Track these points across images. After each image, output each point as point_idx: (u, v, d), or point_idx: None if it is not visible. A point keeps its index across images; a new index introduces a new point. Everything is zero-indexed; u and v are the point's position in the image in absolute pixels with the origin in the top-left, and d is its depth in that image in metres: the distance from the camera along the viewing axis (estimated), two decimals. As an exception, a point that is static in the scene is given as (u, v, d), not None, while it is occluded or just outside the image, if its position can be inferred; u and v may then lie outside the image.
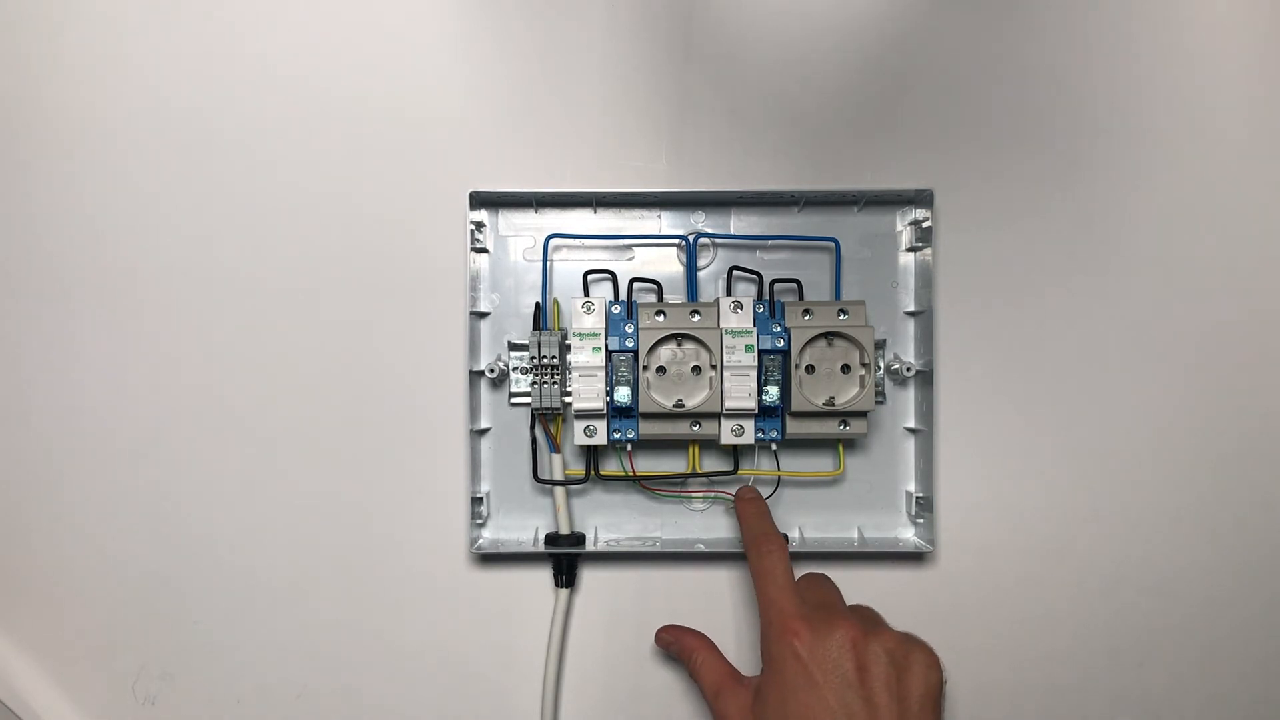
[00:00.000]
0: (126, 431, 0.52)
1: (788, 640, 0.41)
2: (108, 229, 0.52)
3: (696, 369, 0.49)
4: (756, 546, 0.46)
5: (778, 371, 0.48)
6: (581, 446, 0.50)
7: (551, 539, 0.51)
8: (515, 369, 0.51)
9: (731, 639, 0.51)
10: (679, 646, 0.49)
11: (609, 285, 0.51)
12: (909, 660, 0.41)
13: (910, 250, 0.52)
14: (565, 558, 0.51)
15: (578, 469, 0.51)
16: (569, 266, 0.52)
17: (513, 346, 0.51)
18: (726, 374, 0.48)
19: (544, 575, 0.52)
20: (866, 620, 0.43)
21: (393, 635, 0.51)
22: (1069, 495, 0.52)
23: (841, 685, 0.40)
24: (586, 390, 0.48)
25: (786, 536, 0.50)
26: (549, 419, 0.50)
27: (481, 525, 0.51)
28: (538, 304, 0.51)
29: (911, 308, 0.52)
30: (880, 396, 0.52)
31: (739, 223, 0.52)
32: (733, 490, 0.51)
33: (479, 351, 0.51)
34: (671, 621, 0.51)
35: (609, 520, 0.52)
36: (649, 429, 0.49)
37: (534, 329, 0.50)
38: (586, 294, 0.51)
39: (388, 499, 0.52)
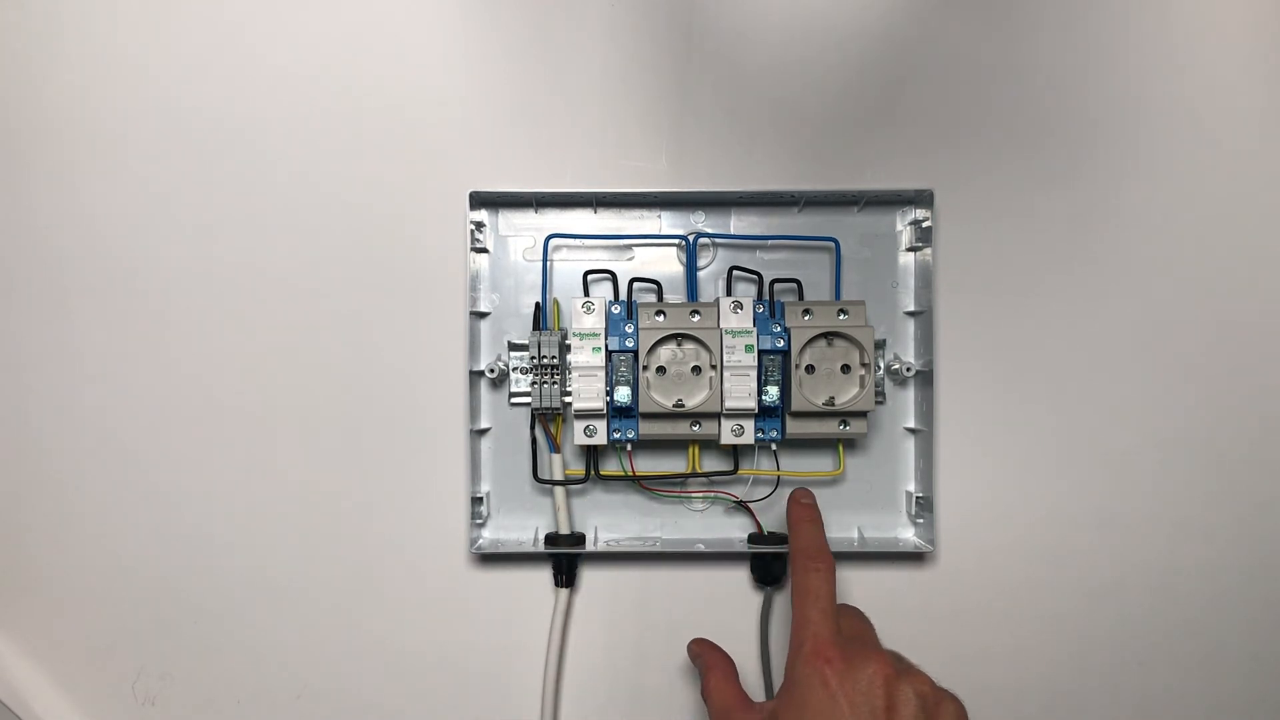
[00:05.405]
0: (126, 431, 0.52)
1: (819, 665, 0.39)
2: (108, 229, 0.52)
3: (696, 369, 0.49)
4: (805, 561, 0.43)
5: (778, 371, 0.48)
6: (581, 446, 0.50)
7: (551, 539, 0.51)
8: (515, 369, 0.51)
9: (729, 640, 0.51)
10: (701, 662, 0.47)
11: (609, 285, 0.51)
12: (940, 708, 0.39)
13: (910, 250, 0.52)
14: (565, 558, 0.51)
15: (578, 469, 0.51)
16: (569, 266, 0.52)
17: (513, 346, 0.51)
18: (726, 374, 0.48)
19: (544, 575, 0.52)
20: (901, 661, 0.41)
21: (393, 635, 0.51)
22: (1069, 495, 0.52)
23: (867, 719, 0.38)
24: (586, 390, 0.48)
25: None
26: (549, 419, 0.50)
27: (481, 525, 0.51)
28: (538, 304, 0.51)
29: (911, 308, 0.52)
30: (880, 396, 0.52)
31: (739, 223, 0.52)
32: (733, 491, 0.51)
33: (479, 351, 0.51)
34: (669, 619, 0.51)
35: (609, 520, 0.52)
36: (649, 429, 0.49)
37: (534, 329, 0.50)
38: (586, 294, 0.51)
39: (388, 499, 0.51)
